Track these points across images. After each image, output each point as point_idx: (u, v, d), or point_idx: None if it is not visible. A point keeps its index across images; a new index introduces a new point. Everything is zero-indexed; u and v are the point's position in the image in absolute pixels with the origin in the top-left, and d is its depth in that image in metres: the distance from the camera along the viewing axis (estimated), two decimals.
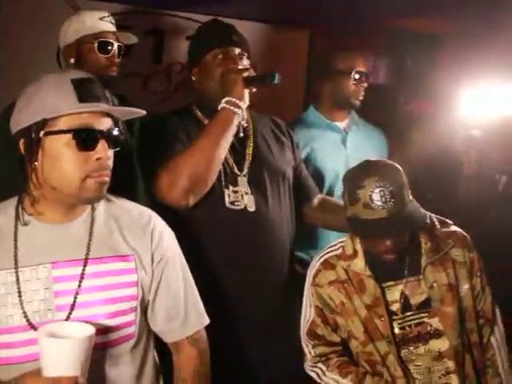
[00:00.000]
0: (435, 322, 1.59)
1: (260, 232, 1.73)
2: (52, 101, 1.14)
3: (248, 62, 1.78)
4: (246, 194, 1.72)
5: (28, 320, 1.17)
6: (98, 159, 1.17)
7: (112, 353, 1.24)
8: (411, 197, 1.55)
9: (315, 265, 1.70)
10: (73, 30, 2.02)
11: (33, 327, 1.16)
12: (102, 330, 1.19)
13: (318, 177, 2.17)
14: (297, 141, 2.13)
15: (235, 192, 1.70)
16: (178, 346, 1.38)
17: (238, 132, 1.70)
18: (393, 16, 3.09)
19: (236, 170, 1.74)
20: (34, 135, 1.15)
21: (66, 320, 1.18)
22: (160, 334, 1.38)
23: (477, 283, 1.65)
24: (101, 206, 1.28)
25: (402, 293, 1.60)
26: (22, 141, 1.17)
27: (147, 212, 1.36)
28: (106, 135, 1.18)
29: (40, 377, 1.07)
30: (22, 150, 1.17)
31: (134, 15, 2.92)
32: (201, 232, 1.68)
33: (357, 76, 2.24)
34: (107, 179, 1.20)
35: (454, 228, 1.68)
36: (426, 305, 1.60)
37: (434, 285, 1.59)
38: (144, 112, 1.24)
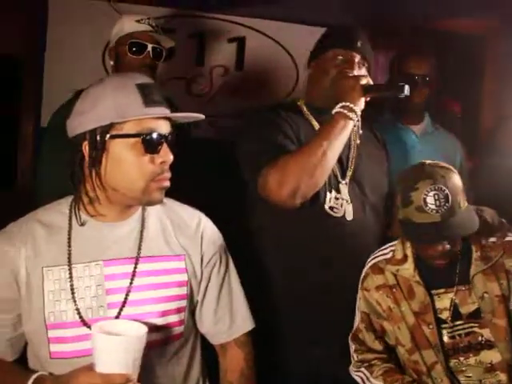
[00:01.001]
0: (486, 333, 1.54)
1: (353, 241, 1.72)
2: (119, 105, 1.16)
3: (365, 71, 1.75)
4: (347, 202, 1.71)
5: (81, 316, 1.19)
6: (161, 163, 1.19)
7: (160, 352, 1.25)
8: (465, 201, 1.50)
9: (365, 268, 1.68)
10: (114, 34, 2.06)
11: (85, 323, 1.18)
12: (152, 329, 1.20)
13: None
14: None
15: (336, 199, 1.70)
16: (225, 348, 1.39)
17: (349, 139, 1.68)
18: (435, 17, 3.04)
19: (339, 176, 1.73)
20: (99, 138, 1.16)
21: (117, 317, 1.20)
22: (207, 336, 1.39)
23: None
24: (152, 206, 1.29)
25: (452, 301, 1.57)
26: (84, 143, 1.18)
27: (197, 214, 1.37)
28: (168, 139, 1.20)
29: (93, 372, 1.08)
30: (85, 153, 1.19)
31: (177, 19, 2.96)
32: (294, 230, 1.68)
33: (407, 81, 2.23)
34: (168, 183, 1.22)
35: (509, 237, 1.62)
36: (476, 315, 1.55)
37: (485, 295, 1.55)
38: (203, 116, 1.25)
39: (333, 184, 1.71)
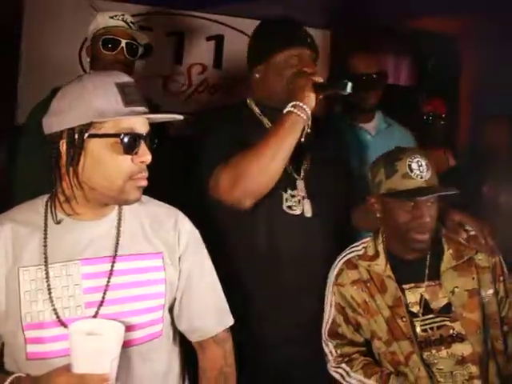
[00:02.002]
0: (457, 326, 1.58)
1: (314, 237, 1.72)
2: (99, 104, 1.15)
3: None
4: (304, 198, 1.70)
5: (58, 316, 1.18)
6: (140, 162, 1.19)
7: (139, 350, 1.24)
8: None
9: (338, 264, 1.71)
10: (90, 30, 2.05)
11: (62, 323, 1.18)
12: (130, 328, 1.20)
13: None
14: None
15: (293, 196, 1.69)
16: (203, 346, 1.38)
17: (299, 137, 1.65)
18: (415, 16, 3.08)
19: (294, 173, 1.72)
20: (77, 137, 1.16)
21: (95, 316, 1.20)
22: (185, 333, 1.38)
23: (500, 289, 1.64)
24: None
25: (422, 296, 1.60)
26: (62, 141, 1.18)
27: (175, 212, 1.37)
28: (147, 139, 1.20)
29: (70, 373, 1.08)
30: (62, 151, 1.18)
31: (155, 17, 2.95)
32: (255, 233, 1.67)
33: (361, 81, 2.21)
34: (146, 182, 1.22)
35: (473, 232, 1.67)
36: (446, 309, 1.60)
37: (456, 290, 1.59)
38: (181, 117, 1.25)
39: (288, 182, 1.69)
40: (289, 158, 1.61)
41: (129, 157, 1.18)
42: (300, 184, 1.72)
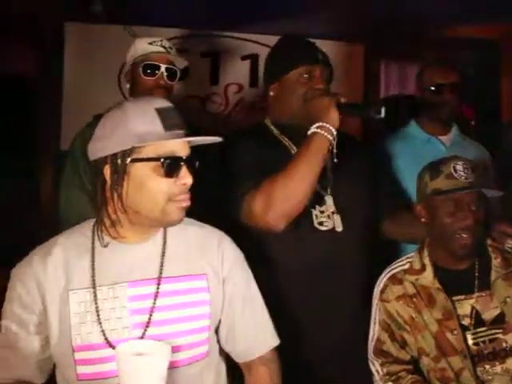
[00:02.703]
0: (510, 339, 1.54)
1: (347, 251, 1.71)
2: (140, 130, 1.19)
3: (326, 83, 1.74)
4: (333, 213, 1.71)
5: (106, 338, 1.21)
6: (182, 184, 1.21)
7: (185, 371, 1.25)
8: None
9: (382, 280, 1.69)
10: (128, 57, 2.09)
11: (110, 345, 1.20)
12: (176, 348, 1.21)
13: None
14: (395, 152, 2.18)
15: (322, 212, 1.70)
16: (250, 366, 1.38)
17: (327, 157, 1.65)
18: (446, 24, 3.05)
19: (321, 189, 1.72)
20: (120, 162, 1.19)
21: (142, 338, 1.22)
22: (231, 354, 1.39)
23: None
24: (173, 227, 1.31)
25: (473, 307, 1.57)
26: (106, 167, 1.21)
27: (218, 233, 1.39)
28: (188, 161, 1.23)
29: None
30: (107, 176, 1.21)
31: (190, 39, 3.01)
32: (288, 253, 1.67)
33: (436, 89, 2.26)
34: (189, 203, 1.24)
35: None
36: (499, 320, 1.56)
37: (508, 300, 1.55)
38: (220, 139, 1.27)
39: (316, 199, 1.69)
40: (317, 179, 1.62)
41: (170, 180, 1.20)
42: (329, 199, 1.72)
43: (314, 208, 1.69)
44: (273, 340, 1.40)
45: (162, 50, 2.07)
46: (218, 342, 1.36)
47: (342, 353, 1.70)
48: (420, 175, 1.66)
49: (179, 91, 2.66)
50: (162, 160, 1.18)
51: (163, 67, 2.02)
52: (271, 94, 1.79)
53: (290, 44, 1.81)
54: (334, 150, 1.65)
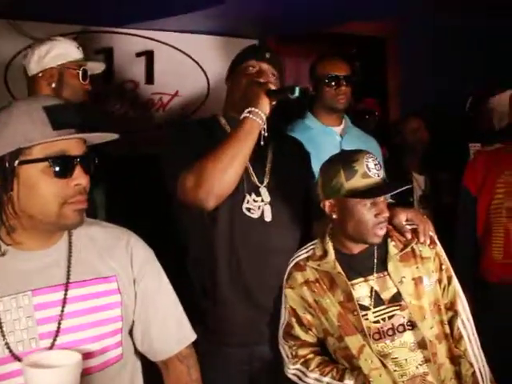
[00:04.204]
0: (407, 315, 1.65)
1: (273, 240, 1.80)
2: (26, 129, 1.13)
3: (275, 79, 1.84)
4: (265, 203, 1.79)
5: (11, 351, 1.14)
6: (76, 185, 1.17)
7: (100, 376, 1.22)
8: None
9: (288, 268, 1.76)
10: (53, 56, 2.05)
11: (16, 358, 1.14)
12: (89, 355, 1.18)
13: (314, 178, 2.21)
14: None
15: (255, 201, 1.78)
16: (167, 364, 1.37)
17: (258, 140, 1.74)
18: (338, 21, 3.19)
19: (256, 180, 1.81)
20: (8, 165, 1.13)
21: (51, 347, 1.17)
22: (147, 354, 1.37)
23: (443, 276, 1.72)
24: (78, 229, 1.26)
25: (372, 288, 1.66)
26: None
27: (125, 232, 1.35)
28: (83, 161, 1.18)
29: None
30: None
31: (84, 35, 2.90)
32: (214, 232, 1.76)
33: (332, 82, 2.35)
34: (85, 205, 1.20)
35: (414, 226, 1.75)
36: (396, 299, 1.66)
37: (403, 279, 1.66)
38: (117, 136, 1.23)
39: (251, 188, 1.79)
40: (248, 161, 1.73)
41: (63, 181, 1.15)
42: (263, 191, 1.81)
43: (250, 195, 1.78)
44: (189, 336, 1.40)
45: (81, 55, 2.13)
46: (133, 342, 1.34)
47: (269, 337, 1.82)
48: (327, 171, 1.68)
49: None
50: (50, 160, 1.13)
51: (88, 72, 2.12)
52: (227, 86, 1.93)
53: (249, 46, 2.02)
54: (265, 134, 1.76)
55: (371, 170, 1.61)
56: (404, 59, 3.87)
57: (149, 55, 3.08)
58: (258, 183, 1.81)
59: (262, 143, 1.75)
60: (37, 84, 2.06)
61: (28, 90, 2.11)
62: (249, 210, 1.77)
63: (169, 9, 2.62)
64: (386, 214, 1.62)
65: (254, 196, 1.78)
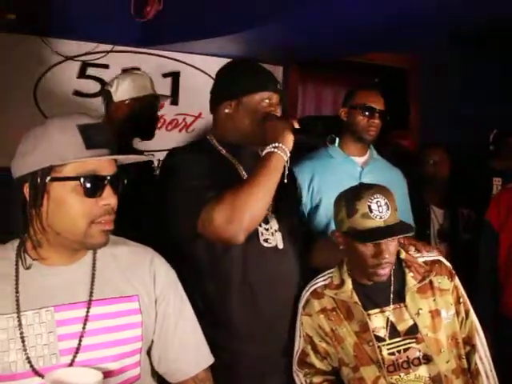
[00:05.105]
0: (423, 348, 1.63)
1: (288, 268, 1.78)
2: (59, 147, 1.15)
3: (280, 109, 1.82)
4: (276, 231, 1.77)
5: (32, 366, 1.15)
6: (104, 205, 1.18)
7: None
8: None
9: (305, 295, 1.75)
10: (137, 87, 2.40)
11: (37, 373, 1.15)
12: (108, 373, 1.18)
13: (328, 209, 2.14)
14: (312, 171, 2.26)
15: (266, 230, 1.75)
16: None
17: (282, 177, 1.69)
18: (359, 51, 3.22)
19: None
20: (39, 180, 1.15)
21: (71, 364, 1.17)
22: (164, 375, 1.37)
23: (461, 310, 1.70)
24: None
25: (388, 319, 1.65)
26: (25, 185, 1.17)
27: (149, 251, 1.36)
28: (112, 181, 1.19)
29: None
30: (26, 195, 1.17)
31: (111, 54, 2.98)
32: (232, 268, 1.71)
33: (367, 112, 2.33)
34: (111, 227, 1.21)
35: (437, 257, 1.76)
36: (412, 331, 1.64)
37: (420, 311, 1.65)
38: (145, 158, 1.27)
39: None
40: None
41: (92, 200, 1.17)
42: (271, 218, 1.79)
43: (260, 226, 1.74)
44: (207, 359, 1.39)
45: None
46: (151, 363, 1.34)
47: (282, 366, 1.78)
48: (337, 204, 1.68)
49: (98, 107, 2.62)
50: (81, 179, 1.15)
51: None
52: (226, 111, 1.79)
53: (252, 67, 1.86)
54: (286, 171, 1.70)
55: (373, 211, 1.57)
56: (425, 91, 3.89)
57: (175, 76, 3.14)
58: (266, 211, 1.76)
59: (285, 181, 1.70)
60: (119, 109, 2.38)
61: (106, 112, 2.43)
62: (266, 240, 1.74)
63: (198, 32, 2.67)
64: (386, 256, 1.59)
65: (263, 224, 1.75)
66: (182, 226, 1.67)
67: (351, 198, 1.62)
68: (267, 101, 1.77)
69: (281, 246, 1.77)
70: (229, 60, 2.05)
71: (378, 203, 1.58)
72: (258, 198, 1.60)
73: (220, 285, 1.71)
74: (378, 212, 1.57)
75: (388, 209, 1.59)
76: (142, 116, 2.40)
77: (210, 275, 1.71)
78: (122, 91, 2.38)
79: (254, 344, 1.74)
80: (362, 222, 1.57)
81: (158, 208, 1.75)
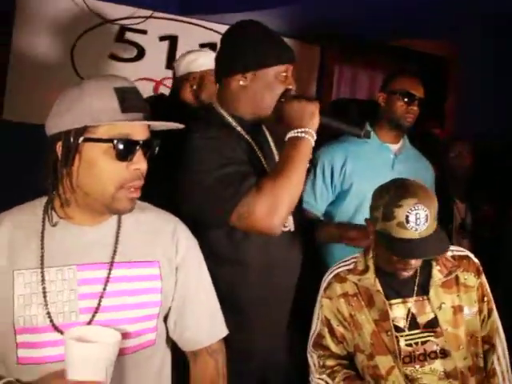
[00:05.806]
0: (441, 342, 1.62)
1: (298, 250, 1.76)
2: (94, 108, 1.14)
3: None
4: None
5: (52, 321, 1.16)
6: (135, 169, 1.18)
7: (132, 358, 1.23)
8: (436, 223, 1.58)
9: (327, 278, 1.74)
10: (199, 63, 2.45)
11: (56, 328, 1.16)
12: (124, 335, 1.18)
13: (359, 195, 2.17)
14: (345, 154, 2.21)
15: None
16: (196, 356, 1.37)
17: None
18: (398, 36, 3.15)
19: None
20: (72, 140, 1.15)
21: (89, 323, 1.18)
22: (178, 343, 1.38)
23: (484, 308, 1.68)
24: None
25: (409, 311, 1.64)
26: (58, 144, 1.17)
27: (173, 219, 1.36)
28: (144, 146, 1.19)
29: (64, 380, 1.07)
30: (59, 153, 1.17)
31: (150, 20, 2.95)
32: (253, 253, 1.66)
33: (406, 98, 2.27)
34: (138, 194, 1.21)
35: (465, 253, 1.72)
36: (432, 324, 1.63)
37: (443, 306, 1.63)
38: (182, 126, 1.24)
39: None
40: None
41: (123, 163, 1.16)
42: None
43: None
44: (221, 331, 1.40)
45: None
46: (166, 329, 1.35)
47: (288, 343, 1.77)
48: (374, 198, 1.62)
49: (132, 73, 2.61)
50: (114, 142, 1.14)
51: None
52: (241, 83, 1.66)
53: (270, 37, 1.70)
54: (310, 156, 1.64)
55: (410, 222, 1.50)
56: (465, 81, 3.79)
57: (212, 47, 3.10)
58: None
59: (308, 165, 1.64)
60: (181, 83, 2.45)
61: (172, 87, 2.53)
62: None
63: (238, 4, 2.63)
64: (413, 263, 1.56)
65: None
66: (210, 214, 1.58)
67: (391, 202, 1.54)
68: (284, 74, 1.67)
69: (292, 228, 1.73)
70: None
71: (418, 215, 1.50)
72: (295, 186, 1.55)
73: (239, 269, 1.66)
74: (415, 224, 1.51)
75: (426, 221, 1.51)
76: (198, 91, 2.47)
77: (228, 261, 1.65)
78: (182, 66, 2.47)
79: (266, 330, 1.71)
80: (396, 230, 1.52)
81: (167, 186, 1.66)
